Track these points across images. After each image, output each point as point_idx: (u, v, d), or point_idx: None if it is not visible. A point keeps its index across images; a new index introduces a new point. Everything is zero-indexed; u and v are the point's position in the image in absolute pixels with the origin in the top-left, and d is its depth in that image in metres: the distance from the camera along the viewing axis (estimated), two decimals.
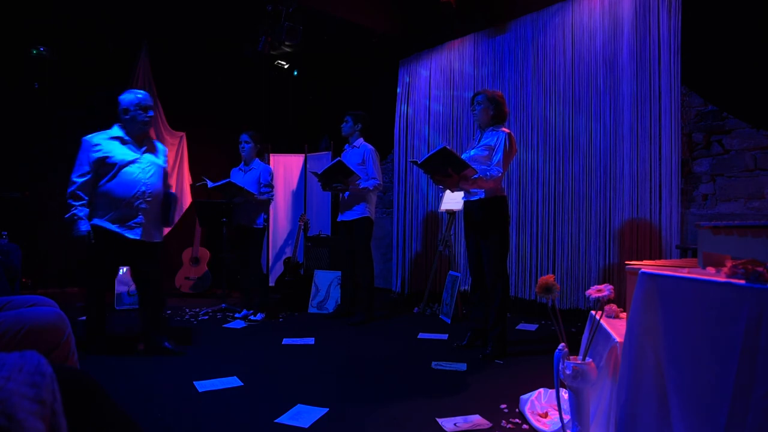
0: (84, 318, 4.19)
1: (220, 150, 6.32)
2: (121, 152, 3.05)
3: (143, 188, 3.07)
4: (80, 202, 2.98)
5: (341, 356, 3.21)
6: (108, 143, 3.05)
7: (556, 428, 1.97)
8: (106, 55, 5.62)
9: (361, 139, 4.34)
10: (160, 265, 3.28)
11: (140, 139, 3.15)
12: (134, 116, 3.07)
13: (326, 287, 4.74)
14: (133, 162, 3.06)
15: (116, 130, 3.11)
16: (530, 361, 3.06)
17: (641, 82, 3.80)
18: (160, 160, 3.23)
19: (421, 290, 5.22)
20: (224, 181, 4.19)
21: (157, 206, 3.18)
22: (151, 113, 3.13)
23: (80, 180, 3.00)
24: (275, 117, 6.83)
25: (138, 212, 3.06)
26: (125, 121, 3.09)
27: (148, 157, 3.15)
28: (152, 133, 5.90)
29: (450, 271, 4.60)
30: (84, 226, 2.95)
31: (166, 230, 3.66)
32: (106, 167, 3.01)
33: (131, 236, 3.04)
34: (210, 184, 4.29)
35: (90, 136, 3.06)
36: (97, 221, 3.01)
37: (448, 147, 2.91)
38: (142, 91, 3.15)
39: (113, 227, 3.02)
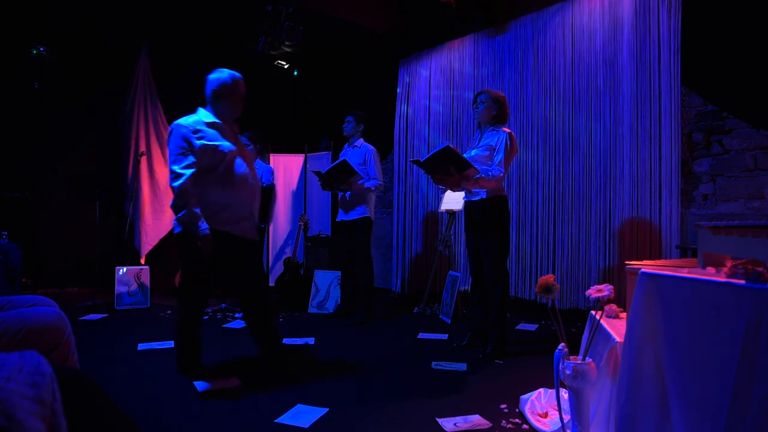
0: (88, 318, 4.19)
1: None
2: (223, 140, 2.63)
3: (252, 181, 2.70)
4: (193, 199, 2.51)
5: (341, 356, 3.21)
6: (207, 130, 2.61)
7: (556, 428, 1.97)
8: (106, 55, 5.62)
9: (362, 140, 4.34)
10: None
11: (232, 125, 2.76)
12: (229, 98, 2.69)
13: (326, 287, 4.74)
14: (236, 151, 2.65)
15: (208, 115, 2.67)
16: (530, 361, 3.06)
17: (641, 82, 3.80)
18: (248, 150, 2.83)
19: (421, 290, 5.22)
20: None
21: (259, 201, 2.83)
22: (237, 102, 2.76)
23: (189, 171, 2.49)
24: (275, 117, 6.82)
25: (251, 208, 2.70)
26: (216, 105, 2.68)
27: (242, 145, 2.77)
28: (151, 133, 5.91)
29: (450, 271, 4.60)
30: (204, 225, 2.50)
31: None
32: (215, 157, 2.56)
33: (243, 236, 2.67)
34: None
35: (183, 120, 2.60)
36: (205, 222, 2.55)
37: (451, 146, 2.91)
38: (229, 70, 2.75)
39: (226, 228, 2.60)
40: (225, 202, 2.59)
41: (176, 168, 2.50)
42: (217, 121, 2.66)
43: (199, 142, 2.53)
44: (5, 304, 1.64)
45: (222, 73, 2.70)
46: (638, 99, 3.81)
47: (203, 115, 2.66)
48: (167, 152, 6.16)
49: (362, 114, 4.36)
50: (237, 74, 2.73)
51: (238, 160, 2.64)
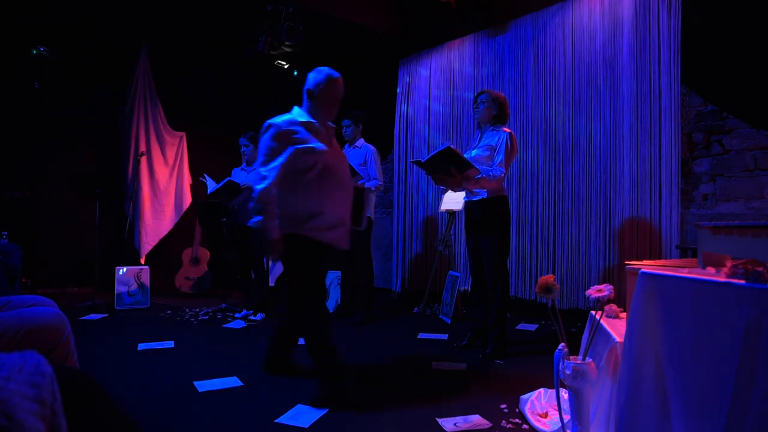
0: (88, 318, 4.19)
1: (220, 150, 6.32)
2: (317, 141, 2.42)
3: (348, 184, 2.51)
4: (273, 203, 2.33)
5: (341, 356, 3.20)
6: (302, 130, 2.41)
7: (556, 428, 1.97)
8: (106, 55, 5.62)
9: (362, 140, 4.34)
10: None
11: (327, 127, 2.57)
12: (323, 99, 2.47)
13: (326, 287, 4.74)
14: (330, 152, 2.45)
15: (302, 114, 2.49)
16: (530, 361, 3.06)
17: (641, 82, 3.80)
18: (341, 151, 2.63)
19: (421, 290, 5.22)
20: (223, 182, 4.18)
21: (351, 204, 2.62)
22: (337, 108, 2.54)
23: (274, 174, 2.31)
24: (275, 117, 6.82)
25: (344, 215, 2.50)
26: (310, 104, 2.49)
27: (337, 147, 2.58)
28: (151, 133, 5.91)
29: (450, 271, 4.60)
30: (277, 231, 2.33)
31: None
32: (310, 158, 2.35)
33: (334, 244, 2.46)
34: (210, 185, 4.28)
35: (277, 119, 2.42)
36: (293, 228, 2.38)
37: (452, 146, 2.90)
38: (329, 69, 2.54)
39: (316, 236, 2.39)
40: (318, 208, 2.38)
41: (263, 170, 2.34)
42: (311, 120, 2.47)
43: (291, 144, 2.35)
44: (4, 305, 1.64)
45: (319, 73, 2.50)
46: (638, 99, 3.81)
47: (297, 114, 2.49)
48: (168, 152, 6.13)
49: (359, 114, 4.33)
50: (335, 73, 2.51)
51: (334, 162, 2.46)
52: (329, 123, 2.57)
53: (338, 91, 2.52)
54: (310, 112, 2.49)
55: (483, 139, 3.23)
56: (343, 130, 4.32)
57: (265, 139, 2.38)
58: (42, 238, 5.45)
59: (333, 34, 5.60)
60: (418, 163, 3.12)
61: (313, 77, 2.49)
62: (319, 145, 2.39)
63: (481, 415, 2.18)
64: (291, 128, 2.38)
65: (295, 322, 2.62)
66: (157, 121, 5.87)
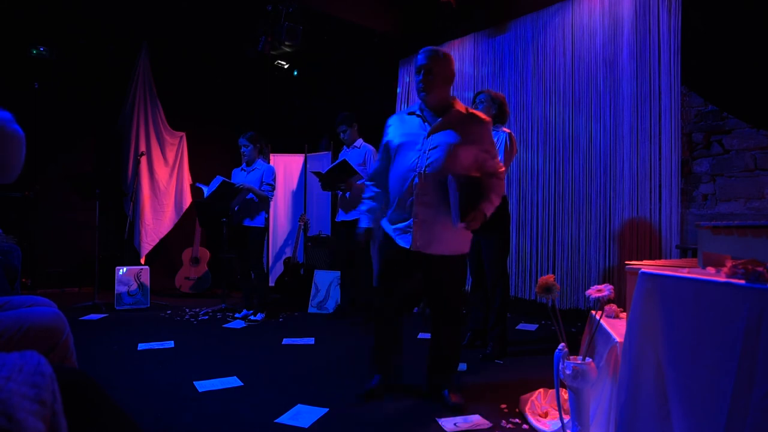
0: (88, 318, 4.19)
1: (220, 150, 6.32)
2: (404, 131, 2.35)
3: (415, 178, 2.27)
4: (368, 194, 2.50)
5: (341, 356, 3.21)
6: (402, 121, 2.41)
7: (556, 428, 1.97)
8: (106, 55, 5.62)
9: (361, 140, 4.34)
10: (457, 288, 2.45)
11: (439, 110, 2.32)
12: (418, 78, 2.34)
13: (326, 287, 4.74)
14: (413, 143, 2.30)
15: (416, 103, 2.45)
16: (530, 361, 3.06)
17: (641, 82, 3.80)
18: (453, 136, 2.28)
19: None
20: (217, 184, 4.17)
21: (439, 200, 2.25)
22: (419, 77, 2.30)
23: (372, 168, 2.59)
24: (275, 117, 6.83)
25: (409, 211, 2.29)
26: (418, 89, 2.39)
27: (440, 135, 2.28)
28: (151, 133, 5.90)
29: None
30: (362, 223, 2.46)
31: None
32: (387, 151, 2.41)
33: (401, 243, 2.31)
34: (205, 191, 4.28)
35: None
36: (382, 222, 2.45)
37: None
38: (431, 47, 2.34)
39: (390, 230, 2.37)
40: (391, 200, 2.40)
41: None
42: (412, 109, 2.41)
43: (384, 138, 2.45)
44: (3, 305, 1.64)
45: (420, 53, 2.34)
46: (638, 99, 3.81)
47: (415, 105, 2.43)
48: (168, 152, 6.13)
49: (348, 115, 4.31)
50: (434, 47, 2.33)
51: (409, 153, 2.30)
52: (452, 98, 2.36)
53: (425, 64, 2.29)
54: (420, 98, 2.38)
55: None
56: (341, 136, 4.34)
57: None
58: (42, 238, 5.45)
59: (333, 34, 5.60)
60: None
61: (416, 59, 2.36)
62: (391, 136, 2.40)
63: (481, 414, 2.18)
64: (391, 122, 2.47)
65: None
66: (157, 121, 5.88)
